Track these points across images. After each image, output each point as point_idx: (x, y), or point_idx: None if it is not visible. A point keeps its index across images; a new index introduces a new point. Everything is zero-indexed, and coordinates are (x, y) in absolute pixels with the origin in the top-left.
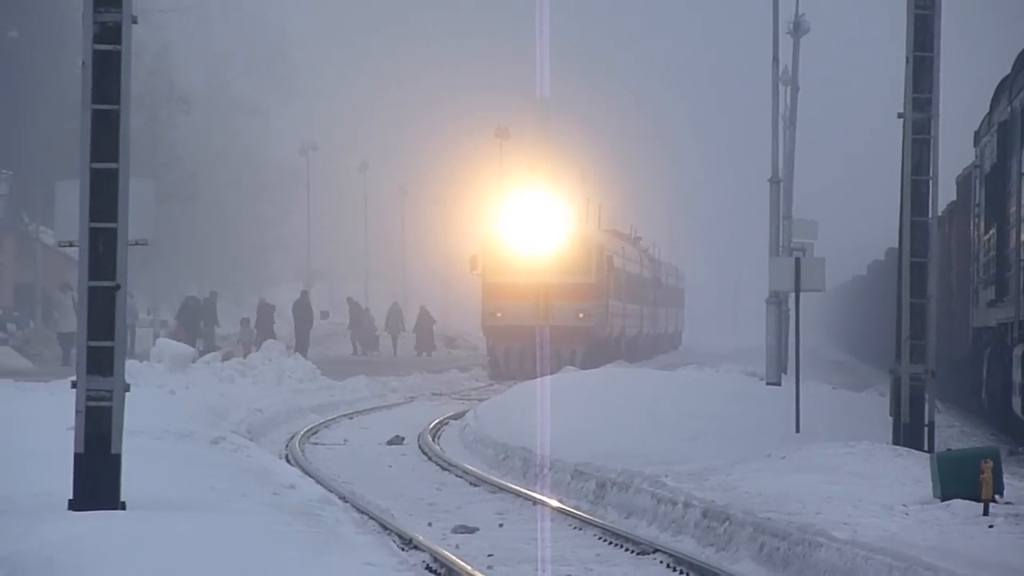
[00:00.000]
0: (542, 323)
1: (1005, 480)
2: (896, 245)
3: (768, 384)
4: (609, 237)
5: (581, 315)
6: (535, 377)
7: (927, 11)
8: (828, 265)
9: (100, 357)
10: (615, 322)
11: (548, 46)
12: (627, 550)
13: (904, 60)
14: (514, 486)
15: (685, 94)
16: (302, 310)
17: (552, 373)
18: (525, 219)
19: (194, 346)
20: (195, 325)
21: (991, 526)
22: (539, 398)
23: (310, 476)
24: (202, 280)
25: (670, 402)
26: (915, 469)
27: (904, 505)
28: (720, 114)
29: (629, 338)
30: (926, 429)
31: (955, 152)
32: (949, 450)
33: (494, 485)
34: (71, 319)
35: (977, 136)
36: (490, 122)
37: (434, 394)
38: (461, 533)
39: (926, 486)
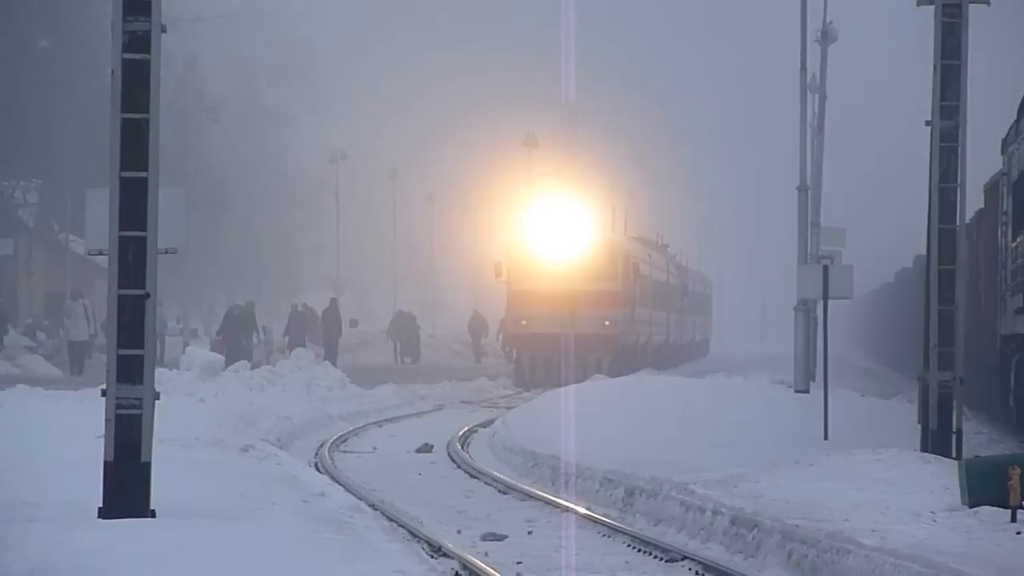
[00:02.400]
0: (568, 331)
1: None
2: (924, 253)
3: (796, 392)
4: (635, 244)
5: (607, 323)
6: (560, 386)
7: (954, 19)
8: (856, 273)
9: (130, 365)
10: (641, 330)
11: (574, 52)
12: (656, 557)
13: (932, 68)
14: (543, 494)
15: (713, 101)
16: (331, 318)
17: (577, 382)
18: (550, 226)
19: (238, 358)
20: (238, 336)
21: (1019, 533)
22: (568, 406)
23: (339, 484)
24: (232, 289)
25: (698, 410)
26: (943, 476)
27: (932, 512)
28: (748, 121)
29: (656, 346)
30: (954, 436)
31: (983, 160)
32: (977, 457)
33: (523, 493)
34: (82, 327)
35: (1004, 144)
36: (519, 129)
37: (463, 402)
38: (490, 540)
39: (954, 493)
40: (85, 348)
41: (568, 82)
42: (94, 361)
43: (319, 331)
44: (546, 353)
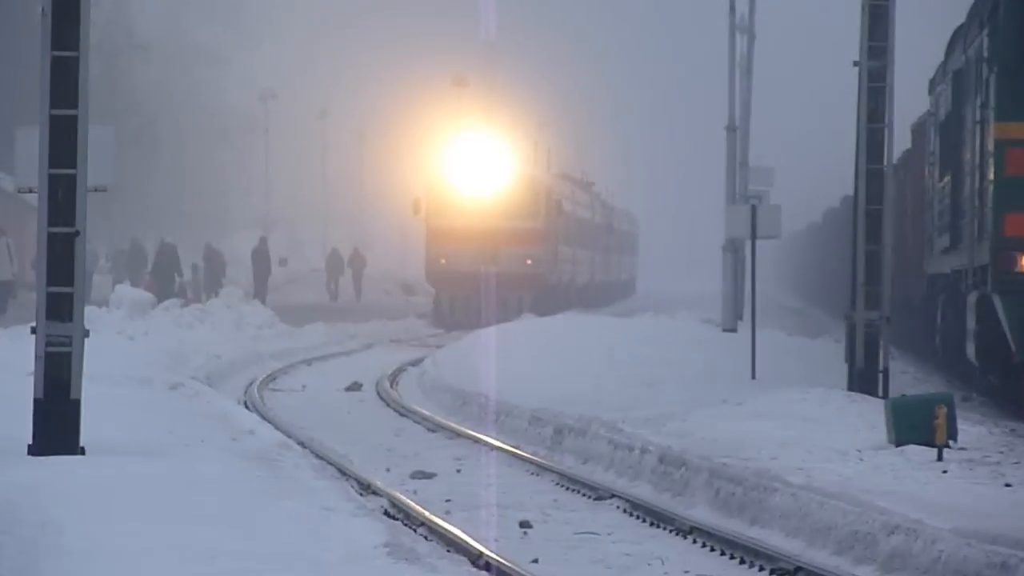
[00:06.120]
0: (488, 269)
1: (958, 426)
2: (851, 193)
3: (724, 331)
4: (558, 181)
5: (529, 261)
6: (480, 326)
7: None
8: (784, 212)
9: (59, 303)
10: (565, 268)
11: None
12: (584, 495)
13: (860, 8)
14: (472, 432)
15: (641, 41)
16: (260, 257)
17: (499, 322)
18: (470, 161)
19: (166, 297)
20: (170, 275)
21: (945, 471)
22: (497, 345)
23: (269, 422)
24: (162, 227)
25: (626, 349)
26: (870, 415)
27: (858, 450)
28: (676, 61)
29: (580, 285)
30: (880, 375)
31: (910, 100)
32: (903, 396)
33: (452, 431)
34: (4, 267)
35: (932, 84)
36: (449, 68)
37: (392, 341)
38: (419, 479)
39: (880, 432)
40: (8, 288)
41: (489, 20)
42: (19, 300)
43: (231, 271)
44: (466, 292)
